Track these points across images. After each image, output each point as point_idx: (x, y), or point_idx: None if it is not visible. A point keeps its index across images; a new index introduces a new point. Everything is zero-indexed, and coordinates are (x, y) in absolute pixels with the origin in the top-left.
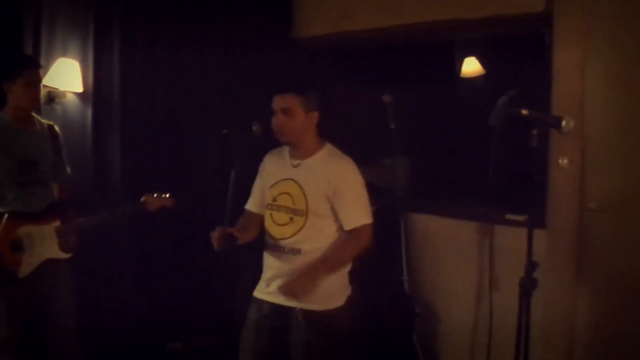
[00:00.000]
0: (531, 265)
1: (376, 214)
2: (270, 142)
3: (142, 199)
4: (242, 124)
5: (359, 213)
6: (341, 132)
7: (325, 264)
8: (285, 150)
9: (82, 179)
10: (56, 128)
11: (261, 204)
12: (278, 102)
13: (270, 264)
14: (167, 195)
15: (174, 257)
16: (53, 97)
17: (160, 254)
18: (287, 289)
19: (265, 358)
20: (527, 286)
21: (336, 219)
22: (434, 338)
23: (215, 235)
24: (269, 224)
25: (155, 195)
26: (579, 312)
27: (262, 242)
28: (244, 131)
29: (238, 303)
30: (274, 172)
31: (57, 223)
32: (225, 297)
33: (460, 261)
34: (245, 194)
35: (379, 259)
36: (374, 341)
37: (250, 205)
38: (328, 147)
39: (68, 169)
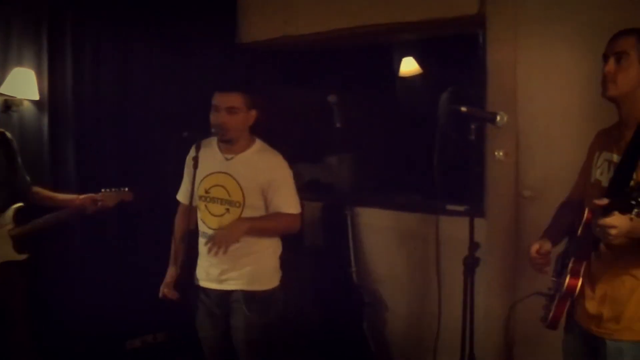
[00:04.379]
0: (473, 245)
1: (323, 209)
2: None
3: (99, 194)
4: (197, 126)
5: (290, 203)
6: (287, 133)
7: (252, 221)
8: (214, 142)
9: (39, 185)
10: (7, 134)
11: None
12: (223, 100)
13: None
14: (127, 189)
15: (131, 255)
16: (10, 105)
17: (116, 251)
18: (215, 240)
19: (225, 340)
20: (471, 264)
21: (269, 209)
22: (384, 325)
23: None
24: (204, 215)
25: (113, 189)
26: (518, 294)
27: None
28: (202, 133)
29: (195, 298)
30: (204, 164)
31: (9, 226)
32: (183, 293)
33: (404, 251)
34: None
35: (328, 251)
36: (326, 330)
37: (185, 197)
38: (259, 143)
39: (25, 175)
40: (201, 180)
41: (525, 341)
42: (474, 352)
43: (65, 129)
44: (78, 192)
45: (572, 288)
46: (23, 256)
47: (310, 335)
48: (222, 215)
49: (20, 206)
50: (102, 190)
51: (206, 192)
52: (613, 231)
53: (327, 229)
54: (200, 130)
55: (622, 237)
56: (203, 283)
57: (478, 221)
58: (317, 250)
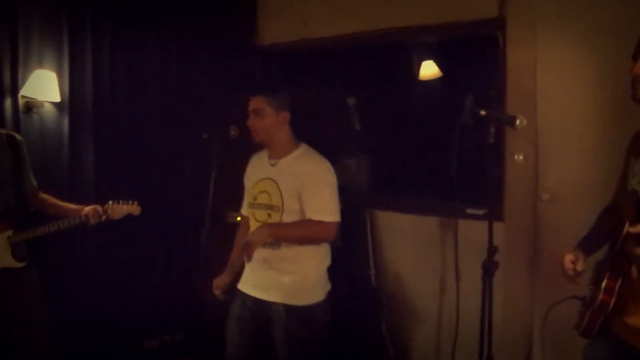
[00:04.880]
0: (492, 249)
1: (342, 211)
2: (246, 144)
3: (105, 207)
4: (216, 127)
5: (322, 209)
6: (305, 134)
7: (273, 227)
8: (265, 151)
9: (59, 187)
10: (17, 137)
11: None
12: (250, 104)
13: (253, 257)
14: (135, 203)
15: (149, 255)
16: (31, 107)
17: (135, 252)
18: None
19: (249, 350)
20: (489, 267)
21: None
22: (402, 328)
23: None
24: (252, 222)
25: (120, 202)
26: (536, 297)
27: None
28: (221, 135)
29: (213, 298)
30: (254, 173)
31: (9, 232)
32: (200, 293)
33: (423, 254)
34: (224, 194)
35: (347, 254)
36: (345, 332)
37: (243, 209)
38: (303, 147)
39: (32, 179)
40: (251, 188)
41: (544, 344)
42: (492, 355)
43: (86, 130)
44: (96, 194)
45: (605, 305)
46: (21, 264)
47: (329, 337)
48: (264, 221)
49: (22, 213)
50: (110, 202)
51: (254, 199)
52: None
53: (346, 231)
54: (219, 132)
55: None
56: (243, 287)
57: (496, 225)
58: (335, 252)
